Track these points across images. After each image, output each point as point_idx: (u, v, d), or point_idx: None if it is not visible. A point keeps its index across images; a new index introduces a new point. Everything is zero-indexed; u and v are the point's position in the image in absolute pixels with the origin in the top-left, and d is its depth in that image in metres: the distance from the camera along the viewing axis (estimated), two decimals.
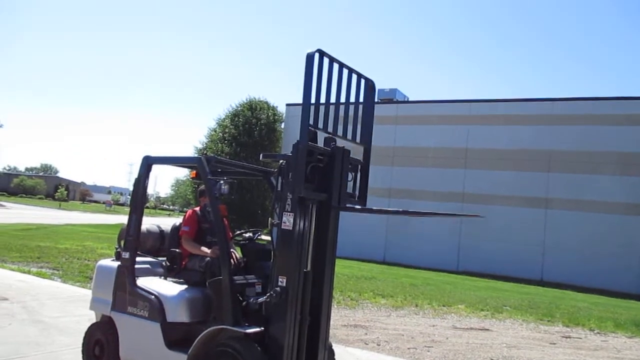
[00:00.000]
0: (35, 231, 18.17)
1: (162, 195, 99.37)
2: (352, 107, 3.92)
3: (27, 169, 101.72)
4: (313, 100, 3.48)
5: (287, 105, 24.11)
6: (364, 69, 4.04)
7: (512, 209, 18.62)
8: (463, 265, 18.78)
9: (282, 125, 26.75)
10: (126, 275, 4.25)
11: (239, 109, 27.94)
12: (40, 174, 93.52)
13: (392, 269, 16.61)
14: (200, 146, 28.52)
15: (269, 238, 4.30)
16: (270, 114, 27.73)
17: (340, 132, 3.84)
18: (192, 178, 4.60)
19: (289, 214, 3.51)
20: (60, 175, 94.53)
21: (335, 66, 3.73)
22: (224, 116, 28.55)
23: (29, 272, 9.25)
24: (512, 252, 18.16)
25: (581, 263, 17.13)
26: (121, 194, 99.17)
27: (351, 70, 3.88)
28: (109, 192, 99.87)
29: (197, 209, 4.61)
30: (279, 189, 3.67)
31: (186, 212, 4.68)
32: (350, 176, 4.00)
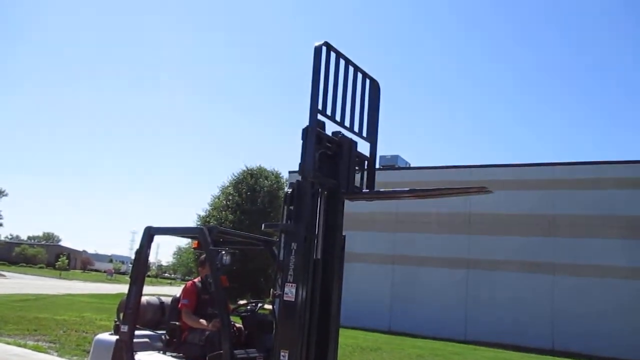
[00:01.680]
0: (33, 302, 17.86)
1: (164, 263, 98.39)
2: (358, 105, 4.00)
3: (29, 238, 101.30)
4: (321, 89, 3.53)
5: (290, 172, 24.35)
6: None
7: (519, 274, 18.35)
8: (471, 334, 18.25)
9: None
10: (124, 350, 4.15)
11: (242, 176, 28.22)
12: (42, 242, 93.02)
13: (398, 338, 16.13)
14: (203, 214, 28.55)
15: (271, 307, 4.22)
16: (273, 181, 27.97)
17: (347, 123, 3.88)
18: (194, 248, 4.59)
19: (291, 284, 3.47)
20: (62, 243, 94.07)
21: (342, 62, 3.83)
22: (227, 183, 28.78)
23: (25, 346, 9.01)
24: (521, 319, 17.70)
25: (592, 330, 16.64)
26: (123, 262, 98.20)
27: (357, 69, 3.97)
28: (111, 261, 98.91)
29: (197, 280, 4.56)
30: (281, 258, 3.64)
31: (186, 283, 4.64)
32: (357, 174, 4.04)
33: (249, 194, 26.91)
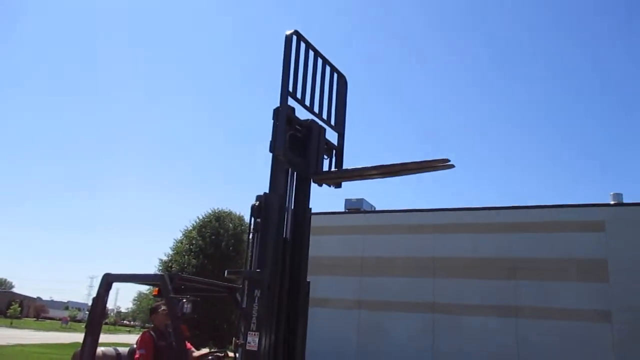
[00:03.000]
0: None
1: (123, 310, 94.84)
2: (326, 94, 4.06)
3: None
4: (292, 74, 3.57)
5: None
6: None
7: (483, 318, 18.42)
8: None
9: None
10: None
11: (207, 219, 27.81)
12: None
13: None
14: (165, 258, 27.84)
15: (234, 356, 4.10)
16: (237, 224, 27.64)
17: (316, 109, 3.93)
18: (154, 296, 4.45)
19: (254, 333, 3.39)
20: (15, 290, 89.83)
21: (311, 53, 3.90)
22: (190, 227, 28.27)
23: None
24: None
25: None
26: (79, 309, 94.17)
27: (325, 61, 4.05)
28: (67, 308, 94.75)
29: (151, 329, 4.41)
30: (244, 306, 3.57)
31: (142, 332, 4.49)
32: (326, 161, 4.03)
33: (213, 238, 26.47)
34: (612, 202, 18.27)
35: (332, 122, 4.26)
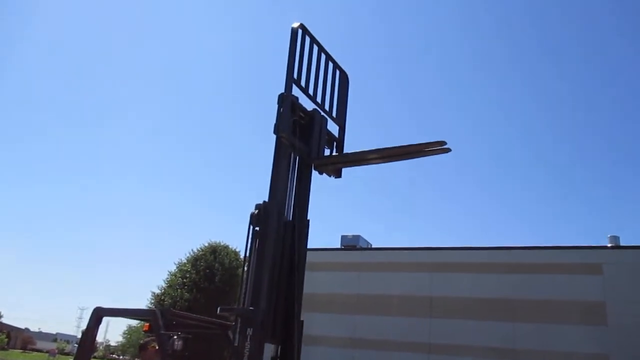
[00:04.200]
0: None
1: (113, 343, 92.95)
2: (329, 88, 4.16)
3: None
4: (296, 63, 3.68)
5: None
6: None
7: None
8: None
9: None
10: None
11: (201, 253, 27.58)
12: None
13: None
14: (158, 291, 27.48)
15: None
16: (232, 258, 27.41)
17: (319, 100, 4.01)
18: (145, 331, 4.35)
19: None
20: (3, 320, 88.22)
21: (315, 48, 4.00)
22: (185, 260, 28.01)
23: None
24: None
25: None
26: (68, 342, 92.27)
27: (329, 57, 4.16)
28: (55, 340, 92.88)
29: None
30: (236, 343, 3.49)
31: None
32: (327, 152, 4.15)
33: (207, 272, 26.20)
34: (609, 245, 18.20)
35: (334, 115, 4.41)
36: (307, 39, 4.10)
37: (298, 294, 3.87)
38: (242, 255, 28.70)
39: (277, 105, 3.72)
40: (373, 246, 23.34)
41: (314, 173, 4.08)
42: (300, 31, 3.99)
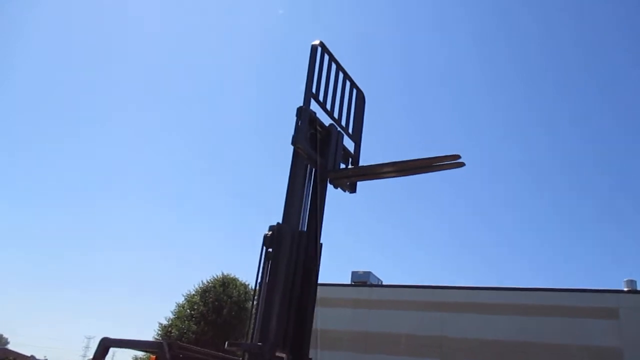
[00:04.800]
0: None
1: None
2: (345, 105, 4.19)
3: None
4: (315, 77, 3.75)
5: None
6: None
7: None
8: None
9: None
10: None
11: (211, 284, 27.39)
12: None
13: None
14: (165, 322, 27.23)
15: None
16: (241, 291, 27.17)
17: (336, 115, 4.05)
18: None
19: None
20: (10, 347, 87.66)
21: (334, 66, 4.05)
22: (194, 292, 27.82)
23: None
24: None
25: None
26: None
27: (346, 76, 4.20)
28: None
29: None
30: None
31: None
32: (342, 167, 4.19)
33: (216, 304, 25.95)
34: (625, 289, 17.80)
35: (350, 131, 4.47)
36: (326, 57, 4.21)
37: (308, 328, 3.84)
38: (251, 288, 28.45)
39: (295, 118, 3.81)
40: (384, 283, 23.06)
41: (329, 191, 4.11)
42: (319, 49, 4.10)
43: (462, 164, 3.89)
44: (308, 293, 3.91)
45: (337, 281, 21.41)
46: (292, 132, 3.82)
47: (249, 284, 28.23)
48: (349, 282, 21.98)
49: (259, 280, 3.75)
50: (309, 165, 4.04)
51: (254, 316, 3.58)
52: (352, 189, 4.35)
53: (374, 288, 21.86)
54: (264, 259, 3.73)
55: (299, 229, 3.89)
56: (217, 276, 27.87)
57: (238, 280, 27.82)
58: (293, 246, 3.81)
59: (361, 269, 22.57)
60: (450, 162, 3.98)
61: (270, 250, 3.73)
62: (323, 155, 4.13)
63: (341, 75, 4.42)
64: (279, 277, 3.66)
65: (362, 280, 22.14)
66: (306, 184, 4.03)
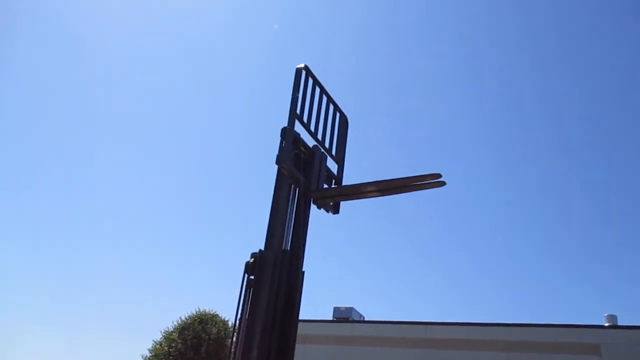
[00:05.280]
0: None
1: None
2: (329, 128, 4.23)
3: None
4: (300, 99, 3.83)
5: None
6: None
7: None
8: None
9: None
10: None
11: (189, 321, 26.75)
12: None
13: None
14: None
15: None
16: (221, 327, 26.58)
17: (320, 137, 4.08)
18: None
19: None
20: None
21: (317, 90, 4.09)
22: (172, 328, 27.12)
23: None
24: None
25: None
26: None
27: (330, 99, 4.26)
28: None
29: None
30: None
31: None
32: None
33: (194, 341, 25.30)
34: (606, 324, 17.85)
35: (333, 153, 4.55)
36: (310, 81, 4.31)
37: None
38: (231, 324, 27.86)
39: (279, 139, 3.91)
40: (366, 318, 22.81)
41: (312, 222, 4.13)
42: (304, 72, 4.22)
43: (442, 183, 3.98)
44: (290, 321, 3.84)
45: (318, 317, 21.12)
46: (273, 155, 3.87)
47: (228, 320, 27.64)
48: (331, 317, 21.70)
49: (240, 308, 3.69)
50: (292, 186, 4.07)
51: (234, 344, 3.50)
52: (335, 210, 4.38)
53: (356, 324, 21.59)
54: (246, 287, 3.70)
55: (282, 255, 3.87)
56: (195, 312, 27.26)
57: (217, 316, 27.22)
58: (275, 274, 3.77)
59: (343, 304, 22.34)
60: (431, 181, 4.05)
61: (252, 277, 3.71)
62: (307, 176, 4.19)
63: (325, 99, 4.52)
64: (260, 304, 3.61)
65: (344, 316, 21.88)
66: (290, 205, 4.05)
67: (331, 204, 4.30)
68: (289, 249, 3.91)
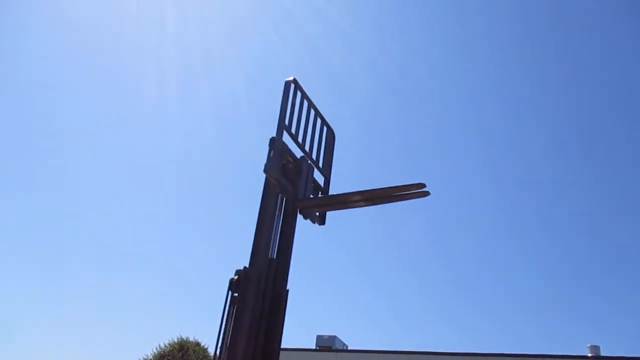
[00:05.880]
0: None
1: None
2: (316, 141, 4.25)
3: None
4: (288, 110, 3.83)
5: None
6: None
7: None
8: None
9: None
10: None
11: (168, 349, 26.20)
12: None
13: None
14: None
15: None
16: (201, 355, 26.04)
17: (307, 148, 4.08)
18: None
19: None
20: None
21: (305, 103, 4.11)
22: (151, 356, 26.53)
23: None
24: None
25: None
26: None
27: (317, 113, 4.29)
28: None
29: None
30: None
31: None
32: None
33: None
34: (589, 355, 17.82)
35: (320, 165, 4.58)
36: (299, 94, 4.39)
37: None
38: (210, 352, 27.31)
39: (267, 148, 3.95)
40: (350, 347, 22.51)
41: (298, 235, 4.12)
42: (292, 85, 4.30)
43: (427, 193, 4.03)
44: (273, 340, 3.80)
45: (301, 345, 20.82)
46: (259, 170, 3.88)
47: (207, 347, 27.07)
48: (313, 346, 21.39)
49: (223, 325, 3.64)
50: (279, 196, 4.08)
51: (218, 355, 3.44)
52: (322, 221, 4.39)
53: (340, 353, 21.29)
54: (230, 303, 3.66)
55: (269, 263, 3.85)
56: (176, 339, 26.70)
57: (199, 345, 26.68)
58: (260, 289, 3.75)
59: (326, 332, 22.07)
60: (416, 190, 4.08)
61: (236, 295, 3.67)
62: (294, 186, 4.21)
63: (312, 113, 4.59)
64: (243, 322, 3.56)
65: (327, 344, 21.59)
66: (276, 216, 4.05)
67: (317, 214, 4.32)
68: (274, 268, 3.89)
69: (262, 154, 3.78)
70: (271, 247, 3.87)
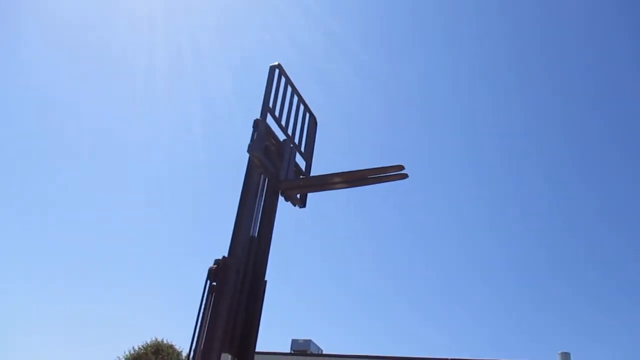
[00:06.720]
0: None
1: None
2: (299, 126, 4.31)
3: None
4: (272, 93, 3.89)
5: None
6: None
7: None
8: None
9: None
10: None
11: (142, 351, 25.87)
12: None
13: None
14: None
15: None
16: (174, 359, 25.77)
17: (290, 132, 4.18)
18: None
19: None
20: None
21: (289, 89, 4.20)
22: (123, 359, 26.16)
23: None
24: None
25: None
26: None
27: (300, 100, 4.37)
28: None
29: None
30: None
31: None
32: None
33: None
34: None
35: (302, 150, 4.69)
36: (283, 79, 4.48)
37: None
38: (184, 354, 27.05)
39: (251, 129, 4.00)
40: (324, 352, 22.51)
41: (276, 231, 4.17)
42: (277, 70, 4.40)
43: (405, 176, 4.16)
44: (251, 330, 3.85)
45: (275, 349, 20.74)
46: (242, 163, 3.92)
47: (181, 350, 26.77)
48: (288, 350, 21.34)
49: (200, 314, 3.66)
50: (262, 177, 4.16)
51: (192, 350, 3.44)
52: (302, 203, 4.48)
53: (315, 357, 21.28)
54: (208, 292, 3.67)
55: (250, 241, 3.91)
56: (150, 342, 26.37)
57: (173, 347, 26.38)
58: (238, 280, 3.78)
59: (301, 336, 22.04)
60: (394, 173, 4.19)
61: (214, 284, 3.69)
62: (276, 168, 4.30)
63: (296, 99, 4.70)
64: (221, 311, 3.58)
65: (302, 348, 21.56)
66: (258, 196, 4.12)
67: (298, 196, 4.40)
68: (253, 256, 3.93)
69: (245, 152, 3.83)
70: (252, 226, 3.94)
